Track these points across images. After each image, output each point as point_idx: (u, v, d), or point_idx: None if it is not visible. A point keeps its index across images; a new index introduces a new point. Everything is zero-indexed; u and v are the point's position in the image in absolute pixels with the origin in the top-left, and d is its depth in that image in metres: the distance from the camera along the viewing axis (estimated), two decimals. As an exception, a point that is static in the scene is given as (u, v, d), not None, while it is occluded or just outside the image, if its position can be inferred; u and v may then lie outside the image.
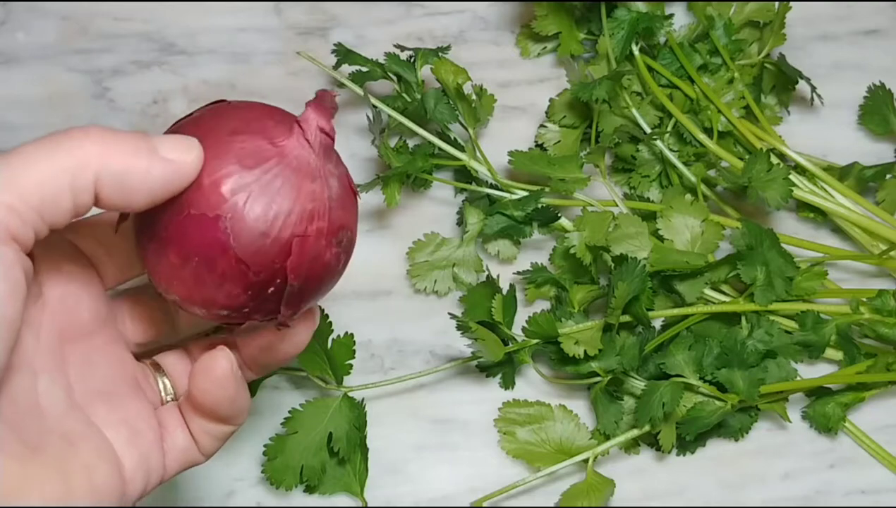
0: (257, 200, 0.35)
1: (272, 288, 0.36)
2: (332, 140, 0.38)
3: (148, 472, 0.38)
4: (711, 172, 0.59)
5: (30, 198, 0.33)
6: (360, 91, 0.57)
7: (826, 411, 0.56)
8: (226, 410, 0.39)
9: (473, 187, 0.58)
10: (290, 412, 0.53)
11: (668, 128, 0.59)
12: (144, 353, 0.42)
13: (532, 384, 0.57)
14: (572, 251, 0.55)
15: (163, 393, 0.42)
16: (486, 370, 0.57)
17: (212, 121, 0.37)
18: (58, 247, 0.38)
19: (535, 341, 0.54)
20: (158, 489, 0.55)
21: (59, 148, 0.33)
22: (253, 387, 0.54)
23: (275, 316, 0.38)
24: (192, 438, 0.40)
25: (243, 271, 0.36)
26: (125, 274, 0.41)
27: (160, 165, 0.34)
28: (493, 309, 0.54)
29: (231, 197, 0.35)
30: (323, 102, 0.37)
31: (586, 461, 0.54)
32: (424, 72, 0.59)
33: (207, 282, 0.36)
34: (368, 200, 0.60)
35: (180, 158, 0.35)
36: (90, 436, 0.36)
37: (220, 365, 0.38)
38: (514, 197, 0.57)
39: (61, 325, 0.37)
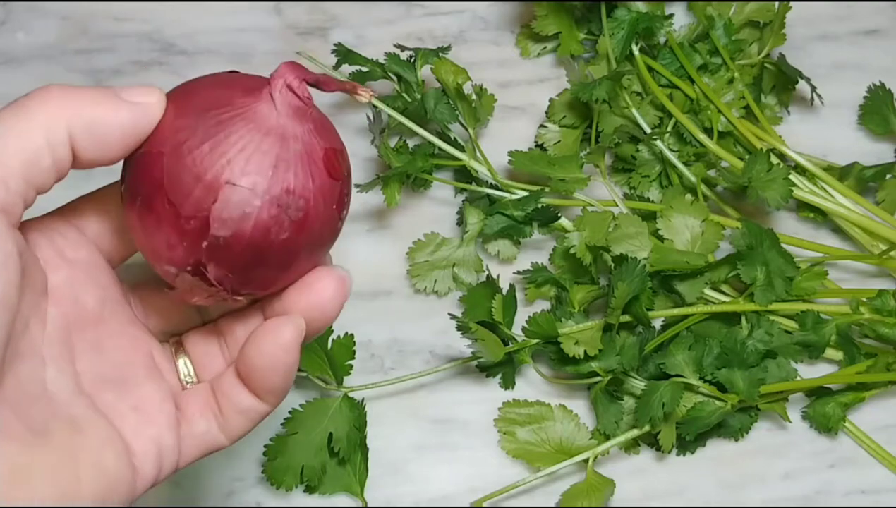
0: (198, 141, 0.35)
1: (206, 242, 0.35)
2: (303, 101, 0.36)
3: (160, 458, 0.37)
4: (711, 172, 0.59)
5: (11, 164, 0.33)
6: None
7: (826, 411, 0.56)
8: (279, 381, 0.38)
9: (473, 187, 0.58)
10: (290, 412, 0.53)
11: (668, 128, 0.59)
12: (169, 334, 0.42)
13: (532, 384, 0.57)
14: (572, 251, 0.55)
15: (182, 375, 0.41)
16: (486, 370, 0.57)
17: (189, 84, 0.38)
18: (59, 232, 0.38)
19: (535, 341, 0.54)
20: (159, 489, 0.55)
21: (26, 109, 0.33)
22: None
23: (223, 289, 0.36)
24: (214, 421, 0.40)
25: (175, 214, 0.35)
26: (132, 248, 0.40)
27: (126, 108, 0.35)
28: (493, 309, 0.54)
29: (174, 134, 0.35)
30: (296, 65, 0.37)
31: (586, 461, 0.54)
32: (424, 72, 0.59)
33: (148, 225, 0.36)
34: (368, 200, 0.60)
35: (145, 100, 0.35)
36: (97, 423, 0.36)
37: (289, 329, 0.37)
38: (514, 197, 0.57)
39: (67, 313, 0.37)
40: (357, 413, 0.54)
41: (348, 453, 0.53)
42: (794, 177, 0.57)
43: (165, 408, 0.39)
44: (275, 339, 0.38)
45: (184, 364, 0.41)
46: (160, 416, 0.38)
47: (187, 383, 0.41)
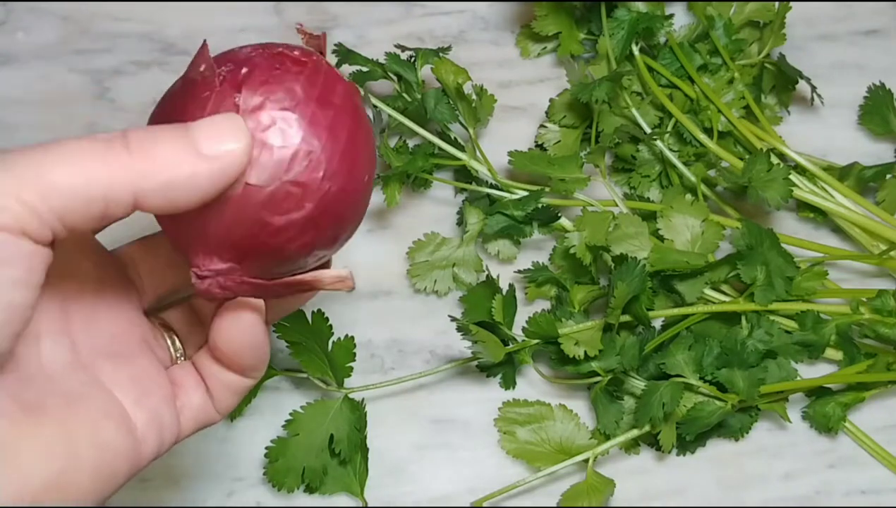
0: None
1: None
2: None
3: (161, 431, 0.37)
4: (711, 172, 0.59)
5: (53, 202, 0.31)
6: (360, 91, 0.57)
7: (826, 411, 0.56)
8: (249, 359, 0.38)
9: (473, 187, 0.58)
10: (291, 414, 0.53)
11: (668, 128, 0.59)
12: (152, 312, 0.42)
13: (532, 384, 0.57)
14: (572, 251, 0.55)
15: (172, 351, 0.41)
16: (486, 370, 0.57)
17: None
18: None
19: (535, 341, 0.54)
20: (159, 489, 0.55)
21: (96, 156, 0.31)
22: (254, 388, 0.54)
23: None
24: (207, 396, 0.39)
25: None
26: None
27: (206, 167, 0.32)
28: (493, 310, 0.54)
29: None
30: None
31: (586, 461, 0.54)
32: (424, 72, 0.59)
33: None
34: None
35: (227, 150, 0.33)
36: (95, 395, 0.36)
37: (249, 312, 0.37)
38: (514, 197, 0.57)
39: (62, 285, 0.36)
40: (357, 414, 0.54)
41: (349, 454, 0.53)
42: (794, 177, 0.57)
43: (161, 381, 0.38)
44: (236, 322, 0.37)
45: (172, 340, 0.41)
46: (158, 388, 0.38)
47: (177, 358, 0.41)
